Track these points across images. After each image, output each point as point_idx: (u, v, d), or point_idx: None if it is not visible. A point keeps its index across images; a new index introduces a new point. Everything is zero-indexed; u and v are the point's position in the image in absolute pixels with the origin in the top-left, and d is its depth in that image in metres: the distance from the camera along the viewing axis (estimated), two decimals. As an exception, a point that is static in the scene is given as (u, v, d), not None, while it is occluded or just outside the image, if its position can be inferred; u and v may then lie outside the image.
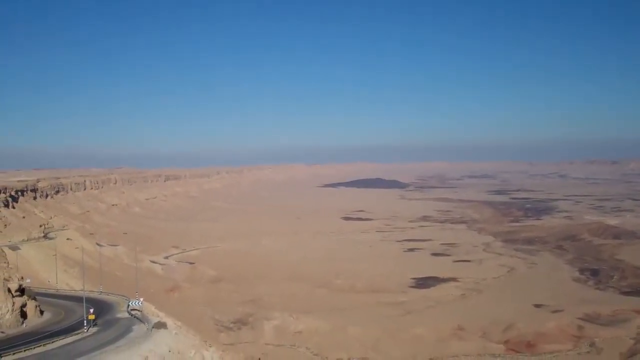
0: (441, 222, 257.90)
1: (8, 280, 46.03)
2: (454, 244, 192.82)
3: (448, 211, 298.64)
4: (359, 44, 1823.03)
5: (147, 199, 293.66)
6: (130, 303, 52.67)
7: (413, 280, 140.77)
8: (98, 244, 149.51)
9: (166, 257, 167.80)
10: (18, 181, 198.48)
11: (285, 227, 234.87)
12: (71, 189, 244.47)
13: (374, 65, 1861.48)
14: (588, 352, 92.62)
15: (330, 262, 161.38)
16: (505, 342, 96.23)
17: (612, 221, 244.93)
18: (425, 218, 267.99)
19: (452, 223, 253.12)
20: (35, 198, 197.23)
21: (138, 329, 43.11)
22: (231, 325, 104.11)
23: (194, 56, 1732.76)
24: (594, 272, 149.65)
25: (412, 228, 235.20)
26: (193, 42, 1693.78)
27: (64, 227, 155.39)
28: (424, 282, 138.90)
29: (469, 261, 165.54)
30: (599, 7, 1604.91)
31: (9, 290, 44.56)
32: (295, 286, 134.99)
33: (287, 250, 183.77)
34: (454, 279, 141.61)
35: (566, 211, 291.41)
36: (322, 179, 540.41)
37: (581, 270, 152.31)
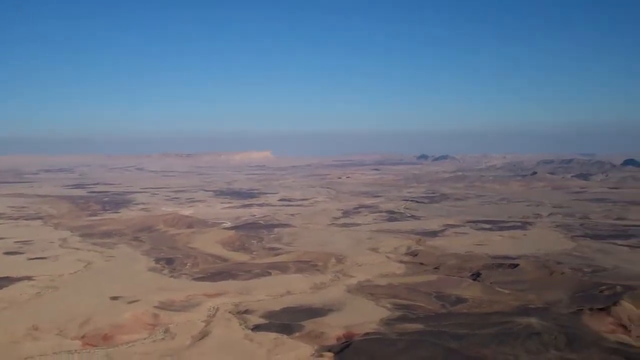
0: (15, 219, 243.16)
1: None
2: (29, 241, 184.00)
3: (23, 207, 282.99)
4: None
5: None
6: None
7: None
8: None
9: None
10: None
11: None
12: None
13: None
14: (163, 338, 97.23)
15: None
16: (82, 337, 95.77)
17: (186, 211, 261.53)
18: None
19: (26, 220, 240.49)
20: None
21: None
22: None
23: None
24: (169, 261, 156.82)
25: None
26: None
27: None
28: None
29: (44, 258, 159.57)
30: None
31: None
32: None
33: None
34: (28, 278, 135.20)
35: (143, 203, 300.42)
36: None
37: (157, 260, 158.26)
